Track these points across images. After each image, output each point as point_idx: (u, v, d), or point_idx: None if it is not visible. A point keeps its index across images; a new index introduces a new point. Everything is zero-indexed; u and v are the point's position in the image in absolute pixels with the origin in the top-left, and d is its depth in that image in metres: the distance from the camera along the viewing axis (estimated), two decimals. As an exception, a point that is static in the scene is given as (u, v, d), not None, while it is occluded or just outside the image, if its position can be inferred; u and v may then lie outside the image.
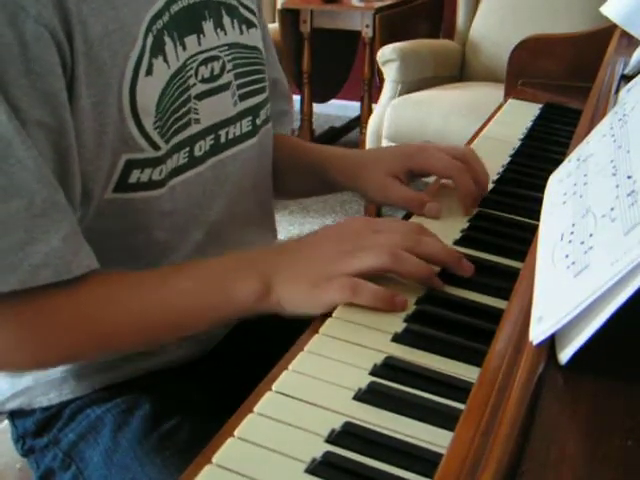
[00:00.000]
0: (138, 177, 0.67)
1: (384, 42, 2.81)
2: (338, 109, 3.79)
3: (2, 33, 0.57)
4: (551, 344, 0.46)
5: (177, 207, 0.72)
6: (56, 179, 0.61)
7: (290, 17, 3.11)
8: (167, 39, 0.68)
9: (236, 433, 0.50)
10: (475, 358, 0.55)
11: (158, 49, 0.66)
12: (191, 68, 0.71)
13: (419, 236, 0.65)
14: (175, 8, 0.69)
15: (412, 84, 2.74)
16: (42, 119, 0.59)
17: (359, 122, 3.31)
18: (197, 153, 0.72)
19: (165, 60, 0.67)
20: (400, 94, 2.72)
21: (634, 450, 0.37)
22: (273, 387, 0.54)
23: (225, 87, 0.75)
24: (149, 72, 0.65)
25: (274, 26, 3.18)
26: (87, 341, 0.65)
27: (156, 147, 0.67)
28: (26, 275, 0.58)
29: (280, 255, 0.66)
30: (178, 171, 0.71)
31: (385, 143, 2.68)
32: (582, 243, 0.48)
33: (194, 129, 0.72)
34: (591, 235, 0.48)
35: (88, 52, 0.61)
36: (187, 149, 0.71)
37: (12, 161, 0.57)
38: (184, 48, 0.70)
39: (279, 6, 3.15)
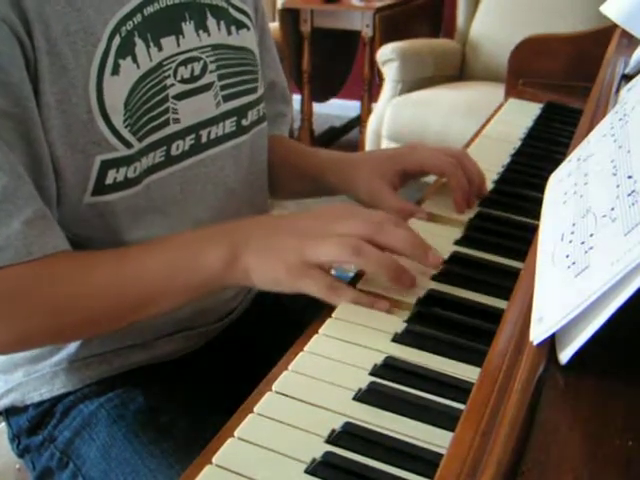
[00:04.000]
0: (114, 177, 0.67)
1: (384, 42, 2.81)
2: (338, 109, 3.79)
3: None
4: (551, 344, 0.46)
5: (153, 205, 0.72)
6: (28, 169, 0.62)
7: (290, 17, 3.11)
8: (138, 40, 0.68)
9: (236, 433, 0.50)
10: (475, 358, 0.55)
11: (126, 50, 0.67)
12: (169, 68, 0.71)
13: (382, 225, 0.64)
14: (150, 10, 0.70)
15: (412, 84, 2.74)
16: (8, 110, 0.60)
17: (359, 122, 3.31)
18: (174, 152, 0.73)
19: (134, 61, 0.68)
20: (400, 94, 2.72)
21: (634, 450, 0.37)
22: (273, 387, 0.54)
23: (207, 88, 0.76)
24: (115, 72, 0.66)
25: (274, 26, 3.18)
26: (46, 320, 0.64)
27: (128, 145, 0.67)
28: None
29: (249, 227, 0.67)
30: (153, 169, 0.71)
31: (385, 143, 2.68)
32: (582, 243, 0.48)
33: (173, 128, 0.72)
34: (591, 235, 0.48)
35: (51, 50, 0.62)
36: (164, 148, 0.72)
37: None
38: (160, 49, 0.70)
39: (279, 6, 3.15)
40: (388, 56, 2.73)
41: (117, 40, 0.66)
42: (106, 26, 0.66)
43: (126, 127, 0.67)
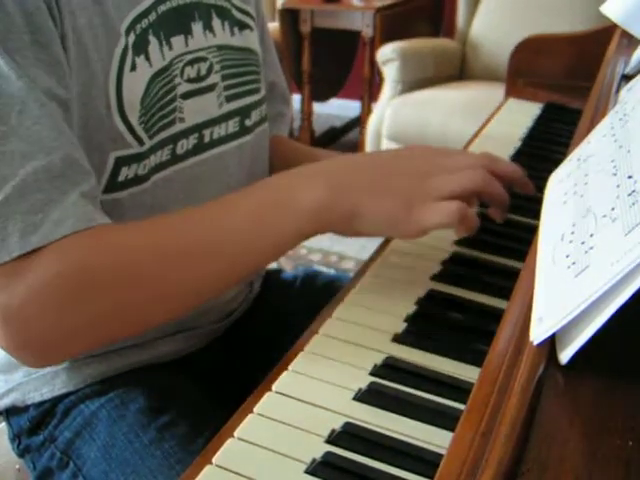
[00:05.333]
0: (126, 174, 0.67)
1: (384, 42, 2.81)
2: (338, 109, 3.79)
3: (4, 2, 0.57)
4: (551, 344, 0.45)
5: (157, 202, 0.72)
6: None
7: (290, 17, 3.11)
8: (152, 38, 0.68)
9: (236, 433, 0.50)
10: (475, 358, 0.55)
11: (141, 48, 0.67)
12: (177, 68, 0.71)
13: (492, 157, 0.66)
14: (163, 8, 0.70)
15: (412, 84, 2.74)
16: (52, 89, 0.59)
17: (359, 122, 3.31)
18: (179, 151, 0.73)
19: (147, 58, 0.68)
20: (400, 94, 2.72)
21: (634, 450, 0.37)
22: (273, 387, 0.54)
23: (211, 88, 0.76)
24: (133, 68, 0.66)
25: (274, 26, 3.18)
26: (131, 289, 0.58)
27: (141, 142, 0.67)
28: (47, 230, 0.55)
29: (352, 166, 0.63)
30: (160, 167, 0.71)
31: (385, 142, 2.68)
32: (582, 243, 0.48)
33: (178, 127, 0.72)
34: (592, 235, 0.48)
35: (77, 40, 0.62)
36: (170, 146, 0.72)
37: (28, 123, 0.56)
38: (170, 48, 0.70)
39: (279, 6, 3.15)
40: (388, 56, 2.73)
41: (132, 37, 0.66)
42: (123, 23, 0.66)
43: (140, 124, 0.67)
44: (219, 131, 0.77)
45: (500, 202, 0.67)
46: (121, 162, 0.66)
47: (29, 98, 0.57)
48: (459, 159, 0.65)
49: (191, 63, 0.73)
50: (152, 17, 0.68)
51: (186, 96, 0.73)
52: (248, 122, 0.81)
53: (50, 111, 0.58)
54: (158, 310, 0.61)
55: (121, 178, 0.67)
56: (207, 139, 0.76)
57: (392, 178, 0.61)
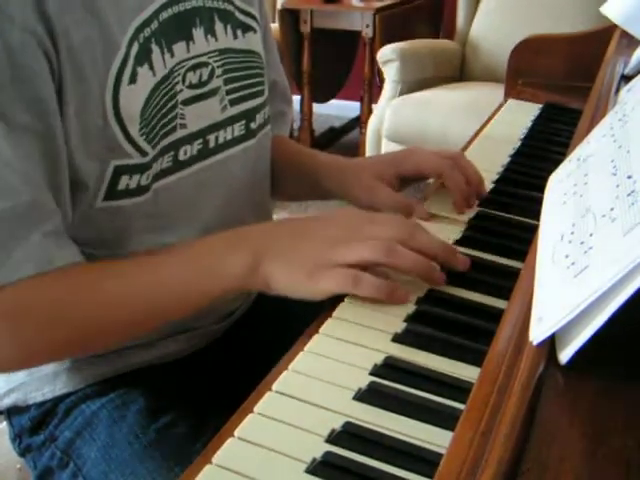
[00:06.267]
0: (127, 184, 0.67)
1: (384, 42, 2.81)
2: (338, 109, 3.79)
3: None
4: (551, 344, 0.46)
5: (159, 210, 0.72)
6: (47, 185, 0.62)
7: (290, 17, 3.11)
8: (154, 47, 0.68)
9: (236, 433, 0.50)
10: (475, 358, 0.55)
11: (144, 57, 0.67)
12: (178, 74, 0.71)
13: (413, 229, 0.65)
14: (164, 16, 0.70)
15: (412, 84, 2.74)
16: (30, 125, 0.60)
17: (359, 122, 3.31)
18: (182, 157, 0.73)
19: (151, 68, 0.67)
20: (400, 94, 2.72)
21: (634, 450, 0.37)
22: (273, 387, 0.54)
23: (213, 93, 0.76)
24: (132, 80, 0.66)
25: (274, 26, 3.18)
26: (70, 330, 0.64)
27: (143, 153, 0.67)
28: (7, 271, 0.59)
29: (272, 233, 0.67)
30: (161, 175, 0.71)
31: (385, 143, 2.68)
32: (582, 243, 0.48)
33: (180, 134, 0.72)
34: (591, 235, 0.48)
35: (72, 59, 0.62)
36: (171, 153, 0.72)
37: None
38: (172, 55, 0.70)
39: (279, 6, 3.15)
40: (388, 56, 2.73)
41: (135, 47, 0.66)
42: (125, 33, 0.65)
43: (142, 135, 0.67)
44: (224, 135, 0.77)
45: (416, 274, 0.65)
46: (121, 171, 0.66)
47: (2, 142, 0.58)
48: (376, 230, 0.64)
49: (193, 69, 0.73)
50: (154, 25, 0.68)
51: (187, 102, 0.72)
52: (253, 125, 0.81)
53: (24, 152, 0.60)
54: (90, 346, 0.69)
55: (121, 187, 0.67)
56: (212, 144, 0.76)
57: (303, 245, 0.64)
